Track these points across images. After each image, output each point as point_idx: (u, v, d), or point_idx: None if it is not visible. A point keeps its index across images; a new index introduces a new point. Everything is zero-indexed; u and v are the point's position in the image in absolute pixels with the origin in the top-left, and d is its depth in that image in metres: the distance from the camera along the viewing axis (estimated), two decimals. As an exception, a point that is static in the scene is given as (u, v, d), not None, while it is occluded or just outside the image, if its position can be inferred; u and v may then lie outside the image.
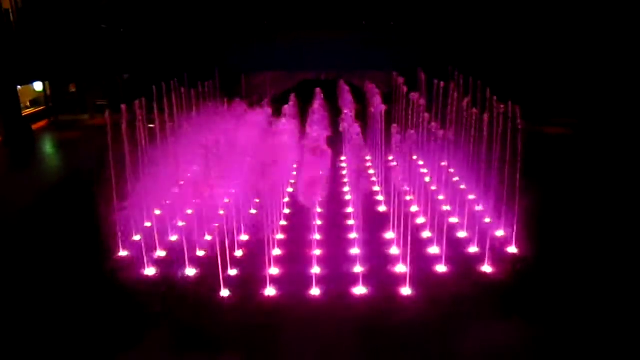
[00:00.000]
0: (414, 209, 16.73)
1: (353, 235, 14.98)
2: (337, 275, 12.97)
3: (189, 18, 39.78)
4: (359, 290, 12.31)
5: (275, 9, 42.79)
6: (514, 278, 12.97)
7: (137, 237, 14.80)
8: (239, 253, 14.18)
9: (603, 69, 33.81)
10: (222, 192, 14.70)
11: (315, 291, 12.25)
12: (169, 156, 16.62)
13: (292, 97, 19.92)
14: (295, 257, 13.90)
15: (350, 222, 16.02)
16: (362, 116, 20.58)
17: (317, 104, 19.52)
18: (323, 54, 36.41)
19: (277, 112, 17.99)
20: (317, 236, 14.40)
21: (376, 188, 18.81)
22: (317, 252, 13.63)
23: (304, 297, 12.13)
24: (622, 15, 33.65)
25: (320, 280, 12.54)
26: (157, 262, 13.82)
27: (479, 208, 16.65)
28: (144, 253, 13.56)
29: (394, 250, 14.22)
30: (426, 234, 15.24)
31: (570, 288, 12.42)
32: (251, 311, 11.71)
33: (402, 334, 10.86)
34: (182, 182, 17.30)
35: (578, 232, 15.51)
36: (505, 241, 14.61)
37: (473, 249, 14.32)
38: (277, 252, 14.23)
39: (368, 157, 21.33)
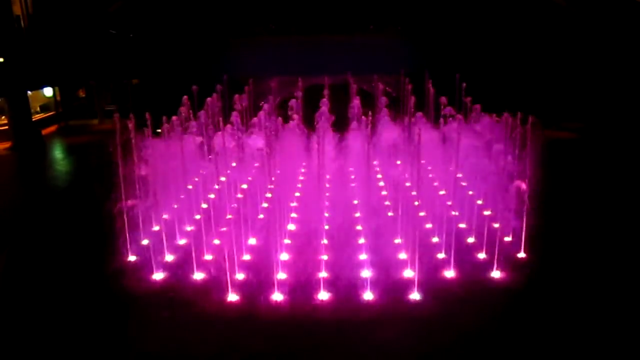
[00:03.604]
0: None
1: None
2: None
3: (197, 23, 40.00)
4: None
5: (283, 14, 42.95)
6: (523, 284, 12.90)
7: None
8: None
9: (610, 73, 33.64)
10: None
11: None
12: (177, 162, 16.67)
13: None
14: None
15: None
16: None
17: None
18: (331, 58, 36.47)
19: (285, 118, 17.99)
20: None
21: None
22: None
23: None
24: (627, 19, 33.47)
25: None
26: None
27: (487, 213, 16.55)
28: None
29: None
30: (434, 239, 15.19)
31: (579, 293, 12.33)
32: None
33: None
34: (190, 187, 17.39)
35: (586, 237, 15.41)
36: (514, 247, 14.53)
37: (481, 255, 14.25)
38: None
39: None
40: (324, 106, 19.15)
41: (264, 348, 10.55)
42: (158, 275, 13.40)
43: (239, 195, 16.37)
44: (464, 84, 21.90)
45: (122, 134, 14.28)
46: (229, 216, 15.73)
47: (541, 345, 10.49)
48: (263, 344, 10.68)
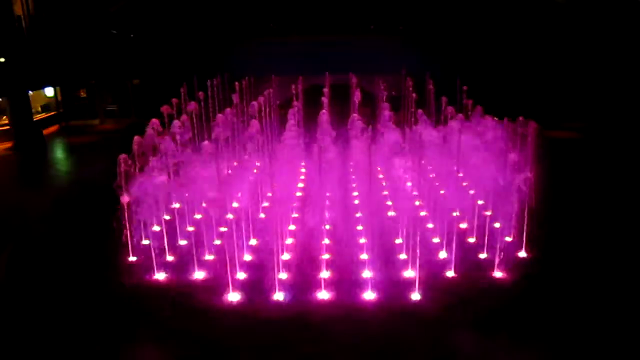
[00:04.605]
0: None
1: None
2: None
3: (198, 23, 40.01)
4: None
5: (283, 13, 42.94)
6: (524, 283, 12.89)
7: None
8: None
9: (612, 73, 33.60)
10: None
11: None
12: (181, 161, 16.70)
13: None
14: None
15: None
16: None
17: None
18: (332, 58, 36.44)
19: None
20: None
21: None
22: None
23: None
24: (630, 18, 33.45)
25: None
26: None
27: (488, 213, 16.52)
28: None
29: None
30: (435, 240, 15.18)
31: (581, 293, 12.33)
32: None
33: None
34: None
35: (588, 236, 15.40)
36: (515, 246, 14.52)
37: (482, 254, 14.24)
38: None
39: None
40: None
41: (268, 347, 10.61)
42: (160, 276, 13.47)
43: None
44: (465, 87, 21.90)
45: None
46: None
47: (541, 344, 10.51)
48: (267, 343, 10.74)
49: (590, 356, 10.32)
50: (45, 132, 32.12)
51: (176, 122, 17.36)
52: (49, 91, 35.64)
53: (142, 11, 38.42)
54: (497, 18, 37.83)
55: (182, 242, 15.24)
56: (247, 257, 14.30)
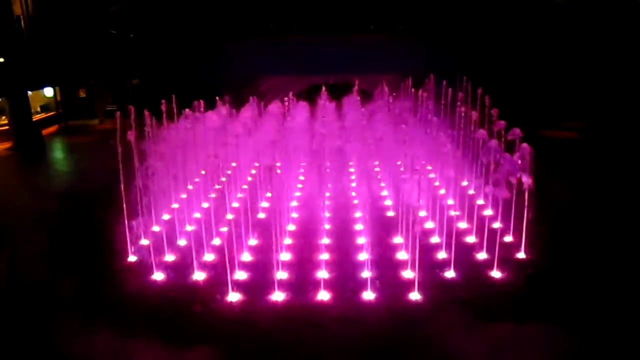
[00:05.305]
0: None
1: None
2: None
3: (197, 23, 40.03)
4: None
5: (283, 13, 42.96)
6: (525, 284, 12.87)
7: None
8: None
9: (612, 73, 33.62)
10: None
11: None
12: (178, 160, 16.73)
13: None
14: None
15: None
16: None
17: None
18: (331, 57, 36.49)
19: None
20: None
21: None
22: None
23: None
24: (630, 18, 33.46)
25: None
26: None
27: (487, 212, 16.52)
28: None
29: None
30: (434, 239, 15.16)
31: (581, 293, 12.30)
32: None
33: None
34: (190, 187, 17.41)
35: (589, 236, 15.37)
36: (515, 246, 14.49)
37: (481, 255, 14.22)
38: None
39: None
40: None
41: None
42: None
43: None
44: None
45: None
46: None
47: (541, 344, 10.50)
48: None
49: (591, 355, 10.32)
50: (44, 132, 32.11)
51: None
52: (48, 91, 35.64)
53: (142, 11, 38.43)
54: (498, 18, 37.85)
55: (182, 242, 15.23)
56: (247, 257, 14.29)
